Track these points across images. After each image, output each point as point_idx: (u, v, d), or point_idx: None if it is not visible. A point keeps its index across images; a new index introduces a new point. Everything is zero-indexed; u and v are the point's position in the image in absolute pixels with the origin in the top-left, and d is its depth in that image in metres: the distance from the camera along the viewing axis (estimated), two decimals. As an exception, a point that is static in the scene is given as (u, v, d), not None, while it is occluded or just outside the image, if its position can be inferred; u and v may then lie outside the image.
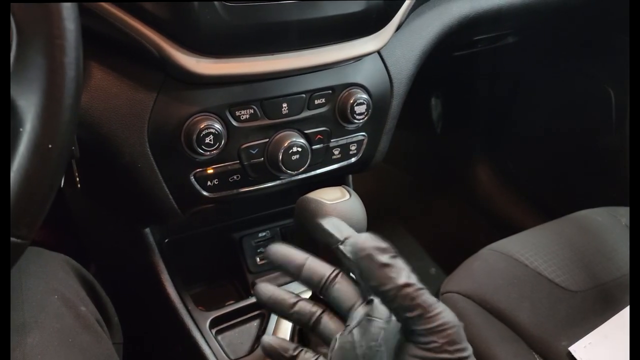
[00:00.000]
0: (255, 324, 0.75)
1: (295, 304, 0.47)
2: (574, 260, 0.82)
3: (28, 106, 0.37)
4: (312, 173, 0.70)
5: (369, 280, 0.39)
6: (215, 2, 0.51)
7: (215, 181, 0.64)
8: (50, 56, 0.38)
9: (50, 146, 0.38)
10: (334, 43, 0.61)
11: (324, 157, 0.70)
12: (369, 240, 0.39)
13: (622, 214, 0.93)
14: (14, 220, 0.37)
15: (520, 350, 0.72)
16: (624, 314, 0.75)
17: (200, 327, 0.72)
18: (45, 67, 0.38)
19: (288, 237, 0.86)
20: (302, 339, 0.62)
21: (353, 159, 0.73)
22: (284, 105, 0.63)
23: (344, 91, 0.67)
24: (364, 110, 0.68)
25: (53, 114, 0.38)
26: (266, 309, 0.71)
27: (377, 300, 0.44)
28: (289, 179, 0.69)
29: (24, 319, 0.50)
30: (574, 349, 0.71)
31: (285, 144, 0.63)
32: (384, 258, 0.38)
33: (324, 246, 0.56)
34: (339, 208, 0.56)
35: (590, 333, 0.73)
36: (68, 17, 0.38)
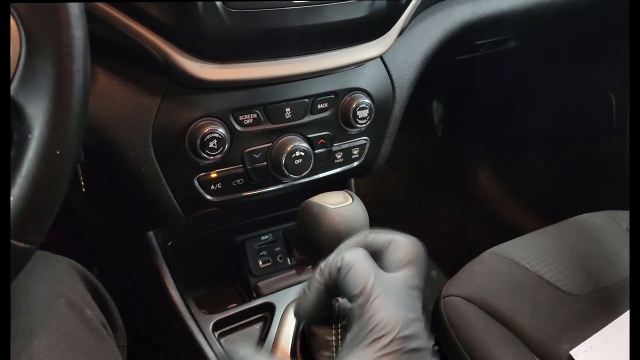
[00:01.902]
0: (257, 326, 0.75)
1: None
2: (575, 263, 0.82)
3: (37, 113, 0.38)
4: (315, 177, 0.71)
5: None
6: (220, 8, 0.52)
7: (219, 185, 0.64)
8: (59, 64, 0.38)
9: (58, 152, 0.39)
10: (337, 48, 0.62)
11: (327, 161, 0.70)
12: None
13: (623, 217, 0.93)
14: (21, 225, 0.38)
15: (522, 354, 0.72)
16: (625, 318, 0.76)
17: (203, 330, 0.72)
18: (53, 74, 0.38)
19: (290, 240, 0.86)
20: (304, 341, 0.62)
21: (355, 163, 0.74)
22: (287, 109, 0.64)
23: (347, 96, 0.68)
24: (366, 115, 0.68)
25: (61, 121, 0.39)
26: None
27: None
28: (291, 183, 0.69)
29: (30, 323, 0.50)
30: (575, 352, 0.71)
31: (288, 148, 0.64)
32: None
33: (325, 249, 0.57)
34: (341, 212, 0.57)
35: (591, 337, 0.73)
36: (76, 25, 0.39)
